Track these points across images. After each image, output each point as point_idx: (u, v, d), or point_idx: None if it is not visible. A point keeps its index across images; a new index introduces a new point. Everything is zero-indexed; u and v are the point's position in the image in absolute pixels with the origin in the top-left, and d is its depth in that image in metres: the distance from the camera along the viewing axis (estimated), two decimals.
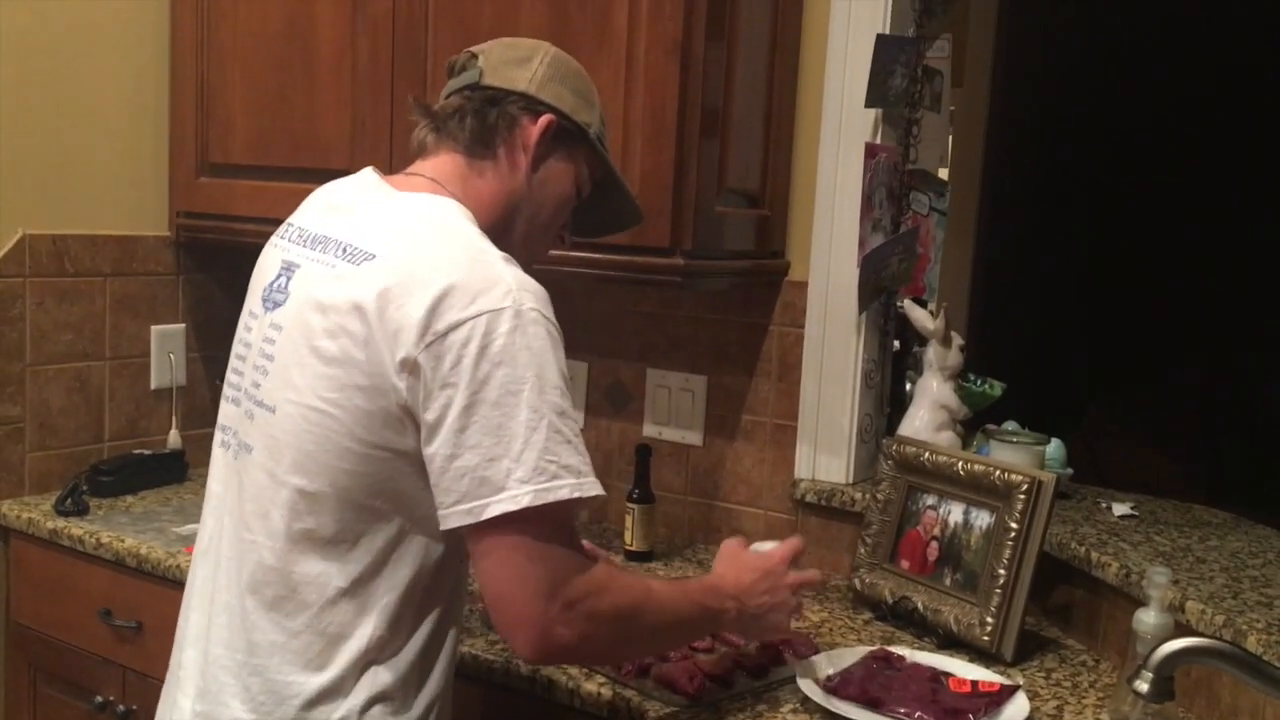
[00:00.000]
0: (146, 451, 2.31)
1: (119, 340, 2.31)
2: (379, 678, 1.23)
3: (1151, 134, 4.29)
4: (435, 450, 1.15)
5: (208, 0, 2.22)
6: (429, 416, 1.15)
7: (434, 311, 1.14)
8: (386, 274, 1.18)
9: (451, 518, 1.15)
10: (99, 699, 2.03)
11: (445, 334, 1.13)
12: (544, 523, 1.15)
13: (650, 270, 1.77)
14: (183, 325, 2.40)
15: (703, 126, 1.75)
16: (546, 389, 1.15)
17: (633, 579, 1.30)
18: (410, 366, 1.15)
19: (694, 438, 2.13)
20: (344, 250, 1.23)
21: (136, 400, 2.35)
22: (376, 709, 1.22)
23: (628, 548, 2.01)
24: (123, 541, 1.97)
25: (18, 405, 2.16)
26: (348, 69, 2.03)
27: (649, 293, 2.12)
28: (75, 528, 2.03)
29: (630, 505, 2.01)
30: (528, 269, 1.24)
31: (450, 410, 1.14)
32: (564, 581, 1.16)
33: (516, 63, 1.34)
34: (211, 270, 2.42)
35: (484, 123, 1.32)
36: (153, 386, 2.37)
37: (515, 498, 1.13)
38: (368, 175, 1.34)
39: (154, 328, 2.36)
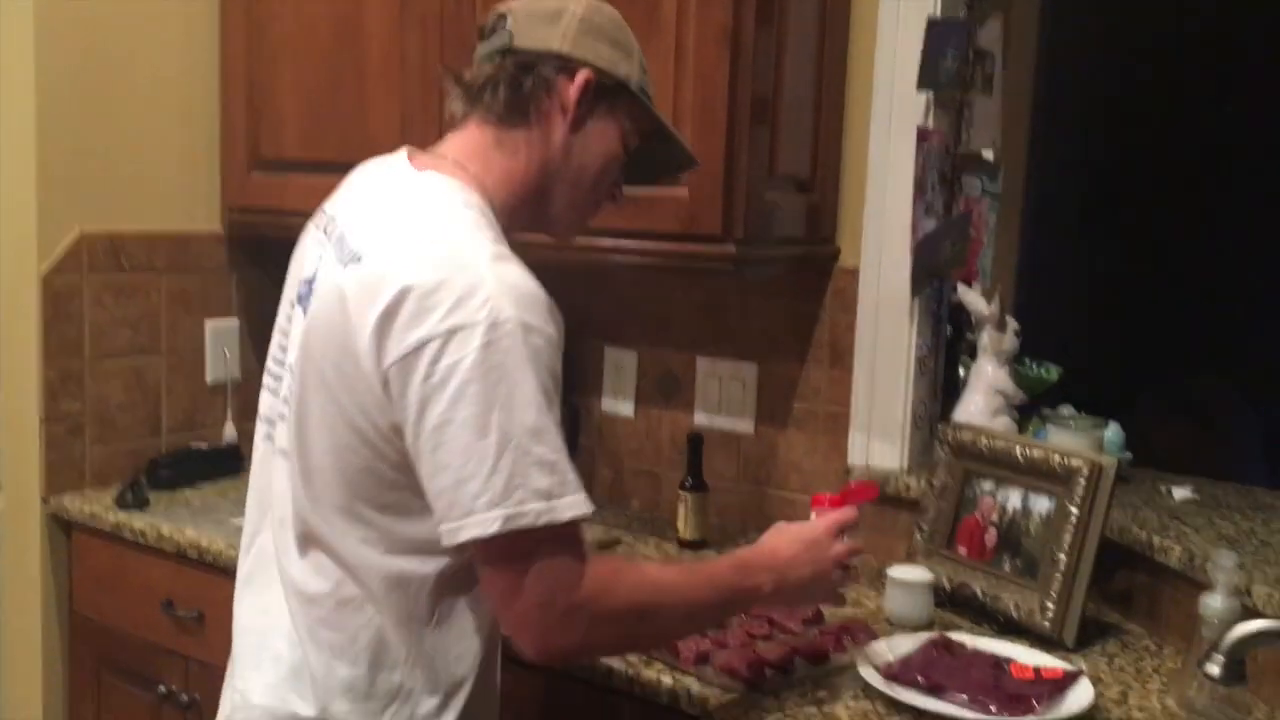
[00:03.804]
0: (203, 445, 2.35)
1: (174, 336, 2.34)
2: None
3: (1204, 112, 4.21)
4: (419, 468, 1.14)
5: (258, 1, 2.24)
6: (408, 434, 1.14)
7: (408, 325, 1.11)
8: (365, 280, 1.15)
9: (441, 536, 1.14)
10: (162, 688, 2.06)
11: (418, 349, 1.10)
12: (526, 541, 1.12)
13: (702, 258, 1.77)
14: (236, 320, 2.43)
15: (753, 114, 1.74)
16: (518, 408, 1.10)
17: (640, 575, 1.26)
18: (385, 381, 1.13)
19: (745, 426, 2.13)
20: (341, 246, 1.22)
21: (192, 394, 2.38)
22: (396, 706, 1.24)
23: (680, 536, 2.02)
24: (184, 533, 2.00)
25: (78, 401, 2.20)
26: (396, 64, 2.04)
27: (699, 281, 2.11)
28: (137, 521, 2.07)
29: (683, 494, 2.01)
30: (578, 229, 1.22)
31: (424, 428, 1.12)
32: (558, 591, 1.13)
33: (546, 19, 1.27)
34: (264, 265, 2.42)
35: (517, 92, 1.26)
36: (208, 381, 2.40)
37: (484, 524, 1.10)
38: (397, 156, 1.30)
39: (208, 322, 2.39)
